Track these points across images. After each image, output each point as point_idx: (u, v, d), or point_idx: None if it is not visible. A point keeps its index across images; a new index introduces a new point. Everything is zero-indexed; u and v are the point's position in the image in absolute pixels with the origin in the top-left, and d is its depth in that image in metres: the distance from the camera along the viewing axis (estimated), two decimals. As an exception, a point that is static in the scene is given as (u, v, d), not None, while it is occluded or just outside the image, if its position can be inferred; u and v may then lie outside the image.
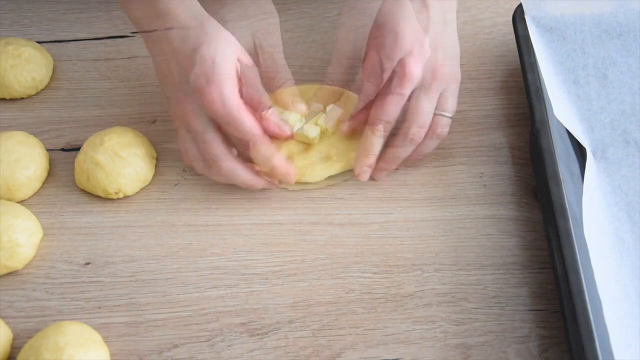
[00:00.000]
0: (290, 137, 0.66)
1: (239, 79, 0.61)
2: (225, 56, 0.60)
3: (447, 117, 0.65)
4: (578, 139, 0.64)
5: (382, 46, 0.62)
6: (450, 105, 0.65)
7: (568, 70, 0.68)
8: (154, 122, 0.71)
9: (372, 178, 0.66)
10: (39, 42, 0.76)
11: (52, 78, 0.75)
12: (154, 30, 0.63)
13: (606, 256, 0.57)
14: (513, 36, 0.70)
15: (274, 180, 0.65)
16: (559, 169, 0.60)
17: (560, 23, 0.69)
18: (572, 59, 0.68)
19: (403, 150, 0.65)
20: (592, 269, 0.55)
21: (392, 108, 0.63)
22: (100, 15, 0.80)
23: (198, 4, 0.63)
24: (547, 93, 0.65)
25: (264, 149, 0.62)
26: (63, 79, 0.75)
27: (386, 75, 0.63)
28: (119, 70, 0.75)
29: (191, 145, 0.64)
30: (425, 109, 0.64)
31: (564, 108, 0.65)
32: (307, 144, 0.67)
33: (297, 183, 0.66)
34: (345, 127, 0.66)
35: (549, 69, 0.67)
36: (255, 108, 0.63)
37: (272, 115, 0.64)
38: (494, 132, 0.70)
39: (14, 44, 0.74)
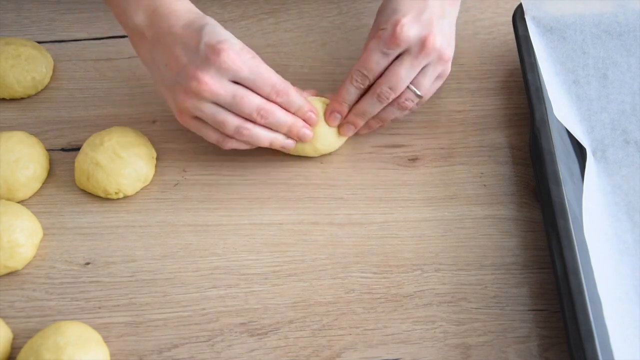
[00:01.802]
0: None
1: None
2: (230, 34, 0.62)
3: (417, 94, 0.65)
4: (578, 139, 0.64)
5: (380, 17, 0.64)
6: (426, 85, 0.64)
7: (568, 70, 0.68)
8: (154, 122, 0.71)
9: (340, 133, 0.67)
10: (39, 42, 0.76)
11: (52, 78, 0.75)
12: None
13: (606, 256, 0.57)
14: (513, 36, 0.70)
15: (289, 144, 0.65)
16: (559, 169, 0.60)
17: (560, 23, 0.69)
18: (572, 59, 0.68)
19: (369, 106, 0.65)
20: (592, 269, 0.55)
21: (372, 63, 0.63)
22: (100, 15, 0.80)
23: (193, 5, 0.64)
24: (547, 93, 0.65)
25: (291, 89, 0.63)
26: (63, 79, 0.75)
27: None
28: (119, 70, 0.75)
29: (208, 130, 0.63)
30: (402, 73, 0.63)
31: (564, 108, 0.65)
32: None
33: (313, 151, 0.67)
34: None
35: (549, 69, 0.67)
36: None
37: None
38: (494, 132, 0.70)
39: (14, 44, 0.74)
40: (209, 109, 0.62)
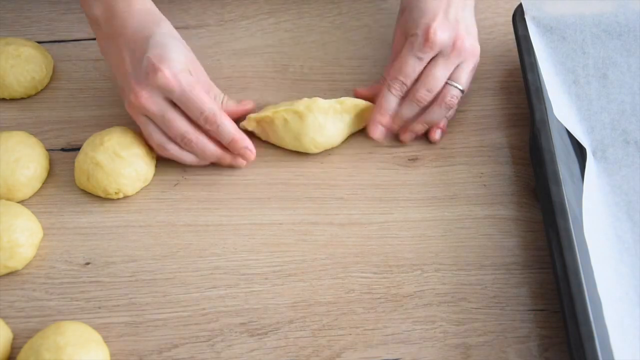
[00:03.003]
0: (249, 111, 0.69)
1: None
2: (177, 45, 0.63)
3: (459, 88, 0.66)
4: (578, 139, 0.64)
5: (407, 19, 0.65)
6: (464, 79, 0.66)
7: (568, 70, 0.68)
8: (154, 122, 0.71)
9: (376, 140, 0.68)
10: (39, 42, 0.76)
11: (52, 78, 0.75)
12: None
13: (606, 256, 0.57)
14: (513, 36, 0.70)
15: (236, 159, 0.67)
16: (559, 169, 0.60)
17: (560, 23, 0.69)
18: (572, 59, 0.68)
19: (409, 111, 0.66)
20: (592, 269, 0.55)
21: (409, 69, 0.65)
22: (100, 15, 0.80)
23: (154, 7, 0.66)
24: (547, 93, 0.65)
25: (223, 118, 0.64)
26: (63, 79, 0.75)
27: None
28: (119, 70, 0.75)
29: (153, 130, 0.64)
30: (438, 74, 0.65)
31: (564, 108, 0.65)
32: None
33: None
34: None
35: (549, 69, 0.67)
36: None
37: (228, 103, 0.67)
38: (494, 132, 0.70)
39: (14, 44, 0.74)
40: (144, 119, 0.64)
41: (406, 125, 0.68)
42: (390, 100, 0.66)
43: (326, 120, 0.66)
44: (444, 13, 0.64)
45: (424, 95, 0.65)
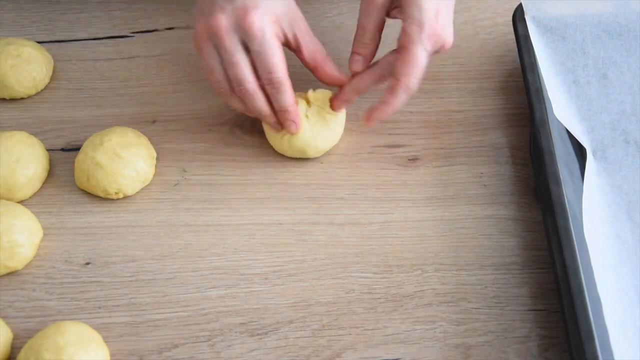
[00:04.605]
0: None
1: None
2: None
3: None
4: (578, 139, 0.64)
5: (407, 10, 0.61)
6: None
7: (568, 70, 0.68)
8: (154, 122, 0.71)
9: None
10: (39, 42, 0.76)
11: (52, 78, 0.75)
12: None
13: (606, 256, 0.57)
14: (513, 36, 0.70)
15: (278, 127, 0.66)
16: (559, 169, 0.60)
17: (560, 23, 0.69)
18: (572, 59, 0.68)
19: (400, 102, 0.63)
20: (592, 269, 0.55)
21: (421, 61, 0.61)
22: (100, 15, 0.80)
23: None
24: (547, 93, 0.65)
25: (287, 88, 0.63)
26: (63, 79, 0.75)
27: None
28: (119, 70, 0.75)
29: (217, 64, 0.62)
30: (424, 65, 0.62)
31: (564, 108, 0.65)
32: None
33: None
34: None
35: (549, 69, 0.67)
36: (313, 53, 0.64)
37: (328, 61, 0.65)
38: (494, 132, 0.70)
39: (14, 44, 0.74)
40: (210, 49, 0.61)
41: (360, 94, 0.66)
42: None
43: (321, 127, 0.66)
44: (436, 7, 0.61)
45: (414, 85, 0.62)
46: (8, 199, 0.65)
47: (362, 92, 0.66)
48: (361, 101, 0.72)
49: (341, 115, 0.68)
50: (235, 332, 0.59)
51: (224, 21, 0.60)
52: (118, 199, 0.66)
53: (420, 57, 0.61)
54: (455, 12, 0.78)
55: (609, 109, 0.66)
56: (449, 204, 0.65)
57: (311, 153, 0.67)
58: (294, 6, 0.64)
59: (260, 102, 0.63)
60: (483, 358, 0.57)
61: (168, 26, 0.78)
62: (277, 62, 0.61)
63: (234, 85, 0.63)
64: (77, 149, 0.69)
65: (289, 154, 0.68)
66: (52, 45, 0.77)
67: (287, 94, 0.63)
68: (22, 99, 0.73)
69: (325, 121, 0.67)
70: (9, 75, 0.72)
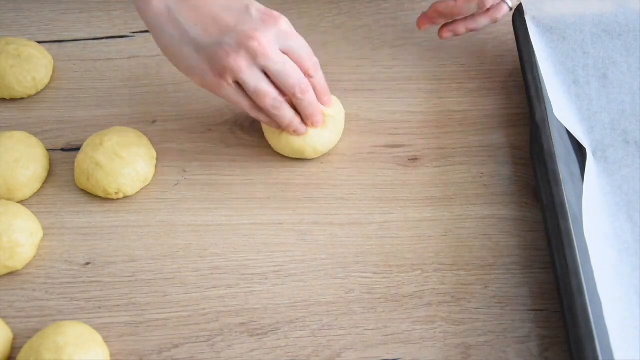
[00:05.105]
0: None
1: None
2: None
3: (509, 6, 0.70)
4: (578, 139, 0.64)
5: None
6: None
7: (568, 70, 0.68)
8: (154, 122, 0.71)
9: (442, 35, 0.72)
10: (39, 42, 0.76)
11: (52, 78, 0.75)
12: None
13: (606, 256, 0.57)
14: (513, 36, 0.70)
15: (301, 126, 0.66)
16: (559, 169, 0.60)
17: (560, 23, 0.69)
18: (572, 59, 0.68)
19: (467, 8, 0.69)
20: (592, 269, 0.55)
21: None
22: (100, 15, 0.80)
23: None
24: (547, 93, 0.65)
25: (311, 97, 0.64)
26: (63, 79, 0.75)
27: None
28: (119, 70, 0.75)
29: (243, 99, 0.63)
30: None
31: (564, 108, 0.65)
32: None
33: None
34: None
35: (549, 69, 0.67)
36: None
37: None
38: (494, 132, 0.70)
39: (14, 44, 0.74)
40: (256, 75, 0.61)
41: (450, 23, 0.71)
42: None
43: (320, 129, 0.67)
44: None
45: (491, 1, 0.67)
46: (8, 199, 0.65)
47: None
48: (361, 101, 0.72)
49: (340, 117, 0.68)
50: (235, 332, 0.59)
51: (266, 41, 0.60)
52: (118, 199, 0.66)
53: None
54: (455, 12, 0.78)
55: (609, 109, 0.66)
56: (449, 204, 0.65)
57: (309, 154, 0.67)
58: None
59: (288, 114, 0.64)
60: (483, 358, 0.57)
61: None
62: (296, 72, 0.62)
63: (267, 109, 0.63)
64: (77, 149, 0.69)
65: (287, 154, 0.68)
66: (52, 45, 0.77)
67: (313, 97, 0.64)
68: (22, 99, 0.73)
69: (324, 123, 0.67)
70: (9, 75, 0.72)
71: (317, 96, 0.65)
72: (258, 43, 0.60)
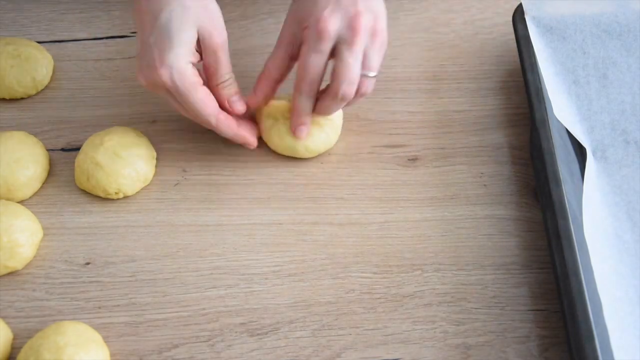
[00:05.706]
0: (242, 112, 0.66)
1: (200, 45, 0.62)
2: (184, 22, 0.61)
3: (371, 77, 0.63)
4: (578, 139, 0.64)
5: (299, 8, 0.63)
6: (375, 63, 0.62)
7: (568, 70, 0.68)
8: (154, 122, 0.71)
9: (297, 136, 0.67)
10: (39, 42, 0.76)
11: (52, 78, 0.75)
12: None
13: (606, 256, 0.57)
14: (513, 36, 0.70)
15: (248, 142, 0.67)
16: (559, 169, 0.60)
17: (560, 23, 0.69)
18: (572, 59, 0.68)
19: (335, 106, 0.64)
20: (592, 269, 0.55)
21: (312, 67, 0.61)
22: (100, 15, 0.80)
23: None
24: (547, 93, 0.65)
25: (222, 124, 0.65)
26: (63, 79, 0.75)
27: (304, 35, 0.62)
28: (119, 70, 0.75)
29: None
30: (352, 64, 0.61)
31: (564, 108, 0.65)
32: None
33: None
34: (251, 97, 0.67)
35: (549, 69, 0.67)
36: (210, 77, 0.64)
37: (227, 89, 0.65)
38: (494, 132, 0.70)
39: (14, 44, 0.74)
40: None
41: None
42: (305, 103, 0.64)
43: (317, 128, 0.67)
44: (335, 0, 0.60)
45: (347, 90, 0.62)
46: (8, 199, 0.65)
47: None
48: (361, 101, 0.72)
49: (337, 118, 0.68)
50: (235, 332, 0.59)
51: (164, 69, 0.61)
52: (118, 199, 0.66)
53: (310, 60, 0.62)
54: (455, 12, 0.79)
55: (609, 109, 0.66)
56: (449, 204, 0.65)
57: (301, 152, 0.67)
58: (207, 21, 0.62)
59: (230, 127, 0.66)
60: (483, 358, 0.57)
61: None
62: (201, 103, 0.63)
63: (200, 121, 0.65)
64: (77, 149, 0.69)
65: (279, 150, 0.68)
66: (52, 45, 0.77)
67: (224, 125, 0.65)
68: (22, 99, 0.73)
69: (317, 123, 0.66)
70: (9, 75, 0.72)
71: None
72: (156, 72, 0.61)
